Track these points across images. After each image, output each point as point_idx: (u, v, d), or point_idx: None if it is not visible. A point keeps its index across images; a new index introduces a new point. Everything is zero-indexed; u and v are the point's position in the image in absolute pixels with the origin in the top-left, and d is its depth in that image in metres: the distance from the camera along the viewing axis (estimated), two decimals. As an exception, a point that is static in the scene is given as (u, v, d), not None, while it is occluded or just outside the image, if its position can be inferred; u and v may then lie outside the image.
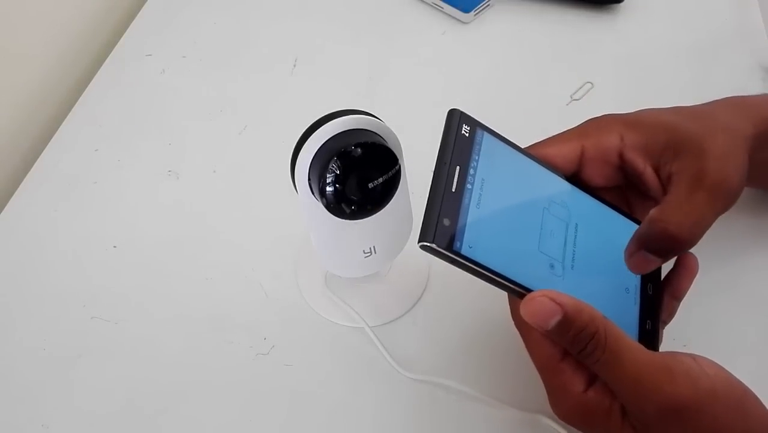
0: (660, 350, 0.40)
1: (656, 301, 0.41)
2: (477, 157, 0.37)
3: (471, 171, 0.36)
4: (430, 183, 0.36)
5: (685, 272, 0.41)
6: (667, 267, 0.41)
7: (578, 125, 0.43)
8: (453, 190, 0.35)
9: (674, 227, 0.37)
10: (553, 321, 0.34)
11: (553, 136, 0.42)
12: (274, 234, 0.55)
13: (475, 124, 0.38)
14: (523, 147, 0.41)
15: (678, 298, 0.41)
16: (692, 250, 0.39)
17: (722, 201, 0.38)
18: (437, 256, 0.34)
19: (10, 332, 0.51)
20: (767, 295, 0.49)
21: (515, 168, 0.39)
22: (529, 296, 0.35)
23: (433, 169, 0.36)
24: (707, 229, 0.37)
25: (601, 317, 0.34)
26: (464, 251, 0.34)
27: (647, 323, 0.39)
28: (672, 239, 0.37)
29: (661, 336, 0.40)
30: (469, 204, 0.35)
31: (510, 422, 0.45)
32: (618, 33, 0.70)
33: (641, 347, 0.34)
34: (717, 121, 0.41)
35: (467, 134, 0.37)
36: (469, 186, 0.36)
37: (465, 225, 0.35)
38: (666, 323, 0.41)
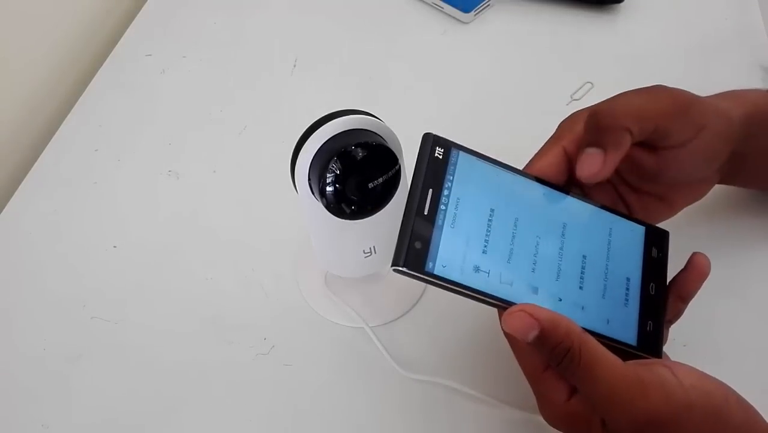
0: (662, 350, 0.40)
1: (660, 301, 0.40)
2: (452, 178, 0.37)
3: (445, 192, 0.37)
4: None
5: (695, 273, 0.39)
6: (675, 268, 0.40)
7: (552, 135, 0.43)
8: (425, 213, 0.36)
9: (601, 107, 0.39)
10: (531, 335, 0.34)
11: (536, 153, 0.42)
12: (274, 234, 0.55)
13: (449, 145, 0.38)
14: (519, 160, 0.41)
15: (685, 299, 0.40)
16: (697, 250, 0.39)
17: (667, 101, 0.40)
18: (412, 278, 0.35)
19: (10, 333, 0.51)
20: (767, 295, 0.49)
21: (494, 184, 0.39)
22: (508, 310, 0.35)
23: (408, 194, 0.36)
24: (638, 119, 0.39)
25: (578, 332, 0.34)
26: (437, 271, 0.35)
27: (648, 324, 0.39)
28: (594, 114, 0.39)
29: (666, 336, 0.40)
30: (442, 225, 0.36)
31: (509, 422, 0.45)
32: (618, 33, 0.70)
33: (617, 360, 0.34)
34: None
35: (441, 156, 0.37)
36: (442, 207, 0.36)
37: (438, 246, 0.35)
38: (672, 322, 0.41)
